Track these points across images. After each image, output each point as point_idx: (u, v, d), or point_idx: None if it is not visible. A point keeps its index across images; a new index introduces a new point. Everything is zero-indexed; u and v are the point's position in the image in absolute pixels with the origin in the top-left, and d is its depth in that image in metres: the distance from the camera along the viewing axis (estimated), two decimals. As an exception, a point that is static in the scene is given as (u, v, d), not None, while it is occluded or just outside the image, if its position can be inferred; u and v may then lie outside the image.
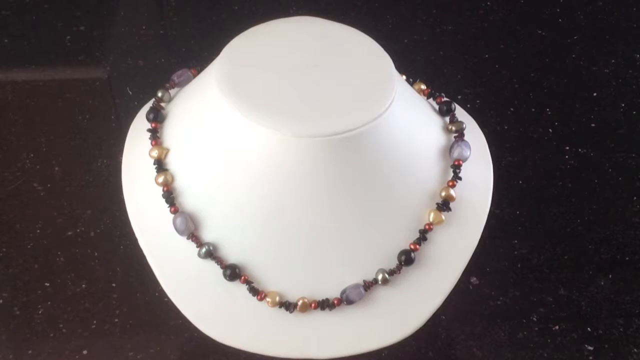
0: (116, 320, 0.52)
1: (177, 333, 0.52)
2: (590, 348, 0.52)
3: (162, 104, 0.46)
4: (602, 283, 0.56)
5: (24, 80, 0.70)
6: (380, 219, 0.41)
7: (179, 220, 0.41)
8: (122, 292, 0.54)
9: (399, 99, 0.41)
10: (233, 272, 0.40)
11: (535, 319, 0.54)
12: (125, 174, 0.45)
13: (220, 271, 0.40)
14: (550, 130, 0.68)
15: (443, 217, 0.42)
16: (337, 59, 0.42)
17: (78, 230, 0.57)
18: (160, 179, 0.42)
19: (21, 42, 0.74)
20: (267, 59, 0.42)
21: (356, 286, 0.41)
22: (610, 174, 0.65)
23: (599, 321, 0.54)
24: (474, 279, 0.56)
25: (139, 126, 0.46)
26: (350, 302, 0.41)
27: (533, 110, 0.70)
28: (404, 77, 0.48)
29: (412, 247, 0.42)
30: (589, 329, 0.54)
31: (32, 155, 0.63)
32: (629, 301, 0.55)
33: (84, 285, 0.54)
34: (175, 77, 0.47)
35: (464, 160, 0.44)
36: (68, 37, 0.74)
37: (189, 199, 0.42)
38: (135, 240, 0.42)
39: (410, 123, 0.43)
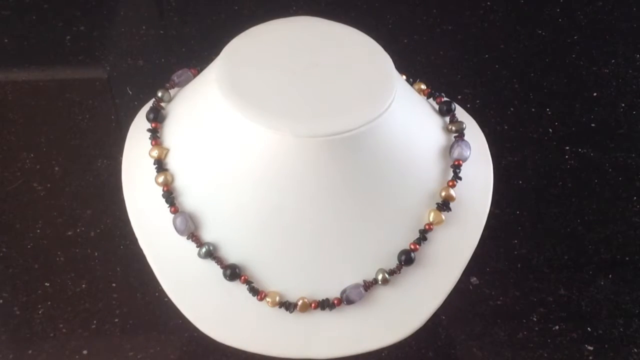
0: (116, 320, 0.52)
1: (177, 333, 0.52)
2: (590, 348, 0.52)
3: (162, 104, 0.46)
4: (602, 283, 0.56)
5: (24, 80, 0.70)
6: (380, 218, 0.41)
7: (179, 220, 0.41)
8: (122, 292, 0.54)
9: (399, 99, 0.41)
10: (233, 272, 0.40)
11: (535, 319, 0.54)
12: (125, 174, 0.45)
13: (220, 271, 0.40)
14: (550, 130, 0.68)
15: (443, 217, 0.42)
16: (337, 59, 0.42)
17: (78, 230, 0.57)
18: (160, 179, 0.42)
19: (21, 42, 0.74)
20: (267, 59, 0.42)
21: (356, 286, 0.41)
22: (610, 174, 0.65)
23: (599, 321, 0.54)
24: (474, 279, 0.55)
25: (139, 126, 0.46)
26: (350, 302, 0.41)
27: (533, 110, 0.70)
28: (404, 77, 0.48)
29: (412, 247, 0.42)
30: (589, 329, 0.53)
31: (32, 155, 0.63)
32: (629, 301, 0.55)
33: (84, 285, 0.54)
34: (175, 77, 0.47)
35: (464, 160, 0.44)
36: (68, 37, 0.74)
37: (189, 199, 0.42)
38: (135, 240, 0.42)
39: (410, 123, 0.43)
